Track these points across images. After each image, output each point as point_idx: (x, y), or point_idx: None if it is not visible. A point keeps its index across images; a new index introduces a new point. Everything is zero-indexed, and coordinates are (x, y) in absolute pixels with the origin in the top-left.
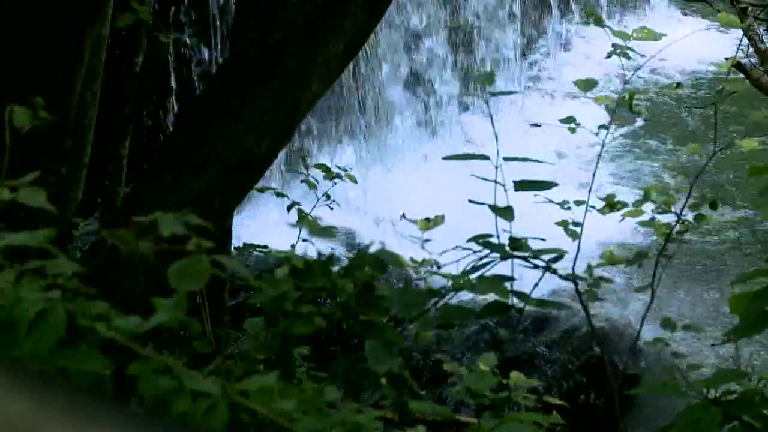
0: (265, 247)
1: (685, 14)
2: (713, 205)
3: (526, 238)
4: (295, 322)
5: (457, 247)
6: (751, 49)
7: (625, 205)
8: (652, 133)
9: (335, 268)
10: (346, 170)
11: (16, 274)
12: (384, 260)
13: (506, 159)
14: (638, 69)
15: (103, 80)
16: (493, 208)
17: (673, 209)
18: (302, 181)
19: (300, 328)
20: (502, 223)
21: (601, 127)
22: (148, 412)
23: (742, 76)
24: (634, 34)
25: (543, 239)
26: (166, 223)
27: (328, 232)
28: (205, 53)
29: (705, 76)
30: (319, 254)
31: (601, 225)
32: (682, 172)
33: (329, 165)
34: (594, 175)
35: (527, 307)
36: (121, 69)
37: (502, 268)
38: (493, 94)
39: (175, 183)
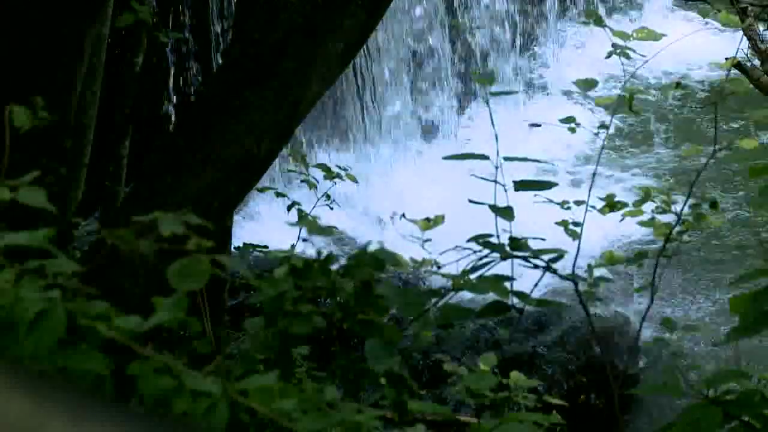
0: (265, 247)
1: (681, 12)
2: (713, 205)
3: (526, 238)
4: (295, 322)
5: (457, 247)
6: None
7: (625, 205)
8: (651, 132)
9: (334, 267)
10: (346, 170)
11: (16, 274)
12: (383, 259)
13: (506, 159)
14: (638, 69)
15: (103, 80)
16: (493, 208)
17: (673, 209)
18: (302, 181)
19: (299, 327)
20: (502, 223)
21: (601, 126)
22: (148, 411)
23: (742, 76)
24: (634, 34)
25: (543, 239)
26: (165, 223)
27: (327, 231)
28: (205, 53)
29: (704, 76)
30: (318, 253)
31: (601, 225)
32: (682, 172)
33: (329, 165)
34: (594, 174)
35: (527, 307)
36: (121, 69)
37: (502, 268)
38: (493, 94)
39: (175, 183)
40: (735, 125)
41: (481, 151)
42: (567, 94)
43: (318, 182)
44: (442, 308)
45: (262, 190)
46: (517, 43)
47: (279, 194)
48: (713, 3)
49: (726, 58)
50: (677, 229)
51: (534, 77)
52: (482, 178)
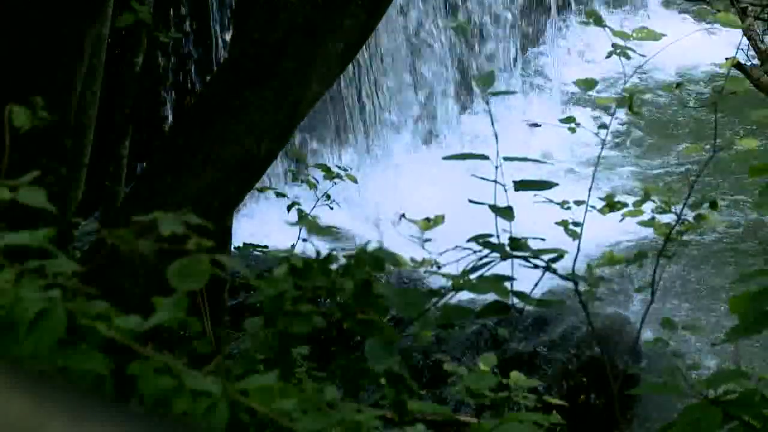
0: (265, 247)
1: (684, 16)
2: (713, 205)
3: (526, 238)
4: (294, 321)
5: (457, 247)
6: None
7: (625, 205)
8: (651, 133)
9: (334, 267)
10: (346, 170)
11: (16, 274)
12: (382, 259)
13: (506, 159)
14: (638, 68)
15: (103, 80)
16: (493, 208)
17: (673, 209)
18: (302, 181)
19: (299, 326)
20: (502, 223)
21: (601, 126)
22: (148, 411)
23: (742, 76)
24: (634, 34)
25: (543, 239)
26: (165, 223)
27: (327, 231)
28: (205, 53)
29: (705, 76)
30: (318, 253)
31: (601, 225)
32: (681, 172)
33: (329, 165)
34: (594, 174)
35: (527, 307)
36: (121, 69)
37: (502, 268)
38: (493, 94)
39: (175, 183)
40: (742, 126)
41: (481, 151)
42: (567, 94)
43: (318, 182)
44: (442, 308)
45: (262, 190)
46: (518, 42)
47: (279, 194)
48: (713, 3)
49: (726, 58)
50: (677, 228)
51: (534, 77)
52: (482, 178)
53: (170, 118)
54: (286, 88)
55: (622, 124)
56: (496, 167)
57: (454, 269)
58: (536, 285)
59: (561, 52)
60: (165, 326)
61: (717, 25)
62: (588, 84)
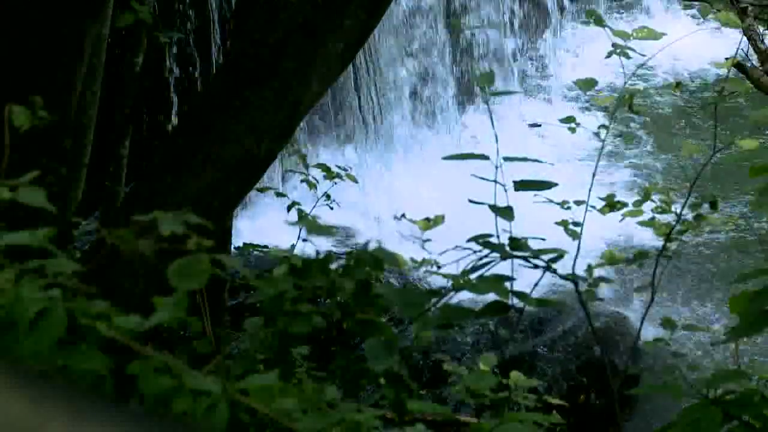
0: (265, 247)
1: (685, 13)
2: (713, 205)
3: (526, 238)
4: (294, 321)
5: (457, 247)
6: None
7: (625, 205)
8: (651, 133)
9: (334, 266)
10: (346, 170)
11: (16, 274)
12: (382, 259)
13: (506, 159)
14: (639, 68)
15: (103, 80)
16: (493, 208)
17: (673, 209)
18: (302, 181)
19: (298, 326)
20: (502, 223)
21: (601, 126)
22: (148, 411)
23: (742, 76)
24: (634, 34)
25: (543, 239)
26: (165, 223)
27: (327, 230)
28: (205, 53)
29: (705, 76)
30: (318, 253)
31: (601, 225)
32: (681, 172)
33: (329, 165)
34: (594, 175)
35: (527, 307)
36: (121, 69)
37: (502, 268)
38: (493, 94)
39: (175, 183)
40: (735, 125)
41: (481, 151)
42: (567, 94)
43: (318, 182)
44: (442, 308)
45: (262, 190)
46: (518, 42)
47: (279, 194)
48: (713, 3)
49: (726, 58)
50: (677, 228)
51: (534, 77)
52: (482, 178)
53: (171, 118)
54: (286, 88)
55: (622, 125)
56: (497, 167)
57: (454, 269)
58: (536, 285)
59: (561, 52)
60: (165, 326)
61: (717, 25)
62: (588, 84)
